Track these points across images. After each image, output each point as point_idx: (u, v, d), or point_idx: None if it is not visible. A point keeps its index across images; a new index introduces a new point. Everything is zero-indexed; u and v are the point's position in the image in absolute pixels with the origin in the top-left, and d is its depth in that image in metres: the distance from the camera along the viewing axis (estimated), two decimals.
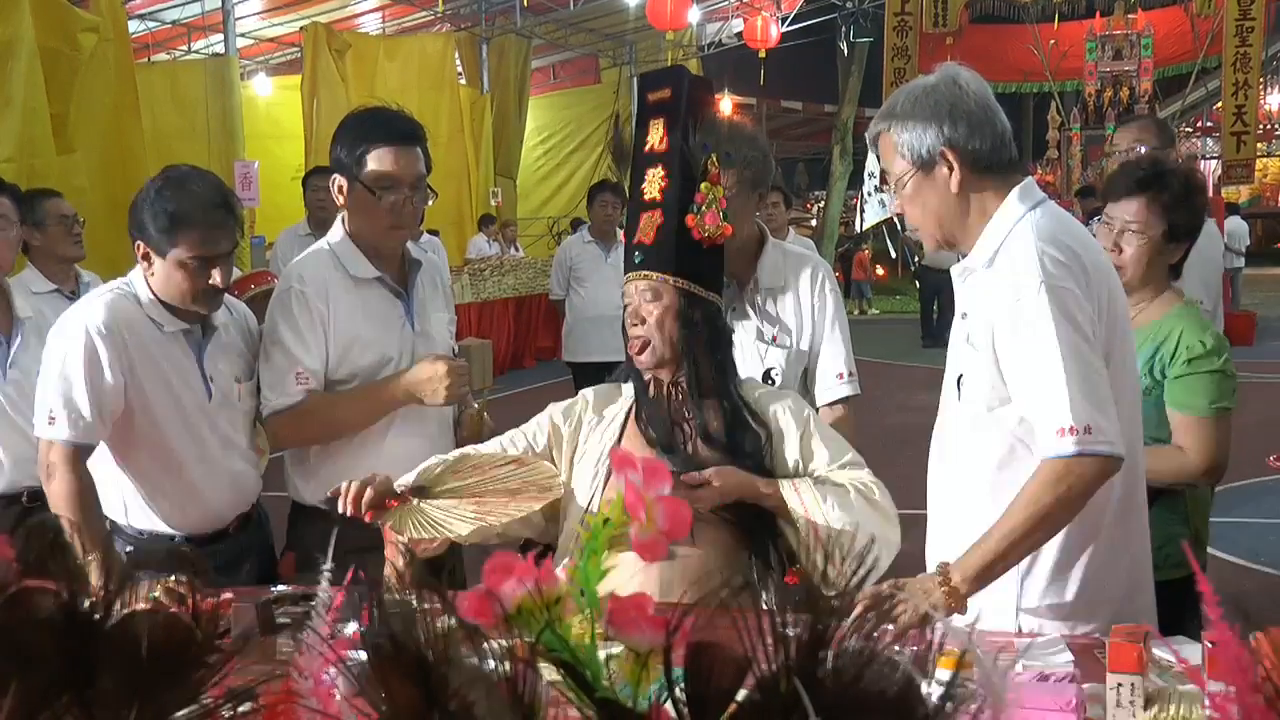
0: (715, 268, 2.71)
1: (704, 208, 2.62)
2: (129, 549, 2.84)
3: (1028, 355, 2.16)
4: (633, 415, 2.69)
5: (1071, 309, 2.14)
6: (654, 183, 2.67)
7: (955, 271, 2.38)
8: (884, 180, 2.45)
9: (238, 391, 2.97)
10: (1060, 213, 2.32)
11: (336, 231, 3.04)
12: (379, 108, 3.01)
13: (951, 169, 2.25)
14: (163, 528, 2.88)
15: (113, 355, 2.76)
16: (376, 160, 2.87)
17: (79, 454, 2.77)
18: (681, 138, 2.64)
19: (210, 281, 2.78)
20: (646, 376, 2.69)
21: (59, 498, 2.75)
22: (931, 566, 2.45)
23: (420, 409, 2.96)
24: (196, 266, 2.76)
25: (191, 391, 2.88)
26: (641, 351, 2.63)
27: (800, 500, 2.50)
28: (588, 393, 2.79)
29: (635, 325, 2.63)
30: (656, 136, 2.69)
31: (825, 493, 2.51)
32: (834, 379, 3.17)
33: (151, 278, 2.84)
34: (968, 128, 2.25)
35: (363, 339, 2.96)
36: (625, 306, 2.68)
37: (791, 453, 2.62)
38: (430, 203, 2.99)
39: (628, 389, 2.75)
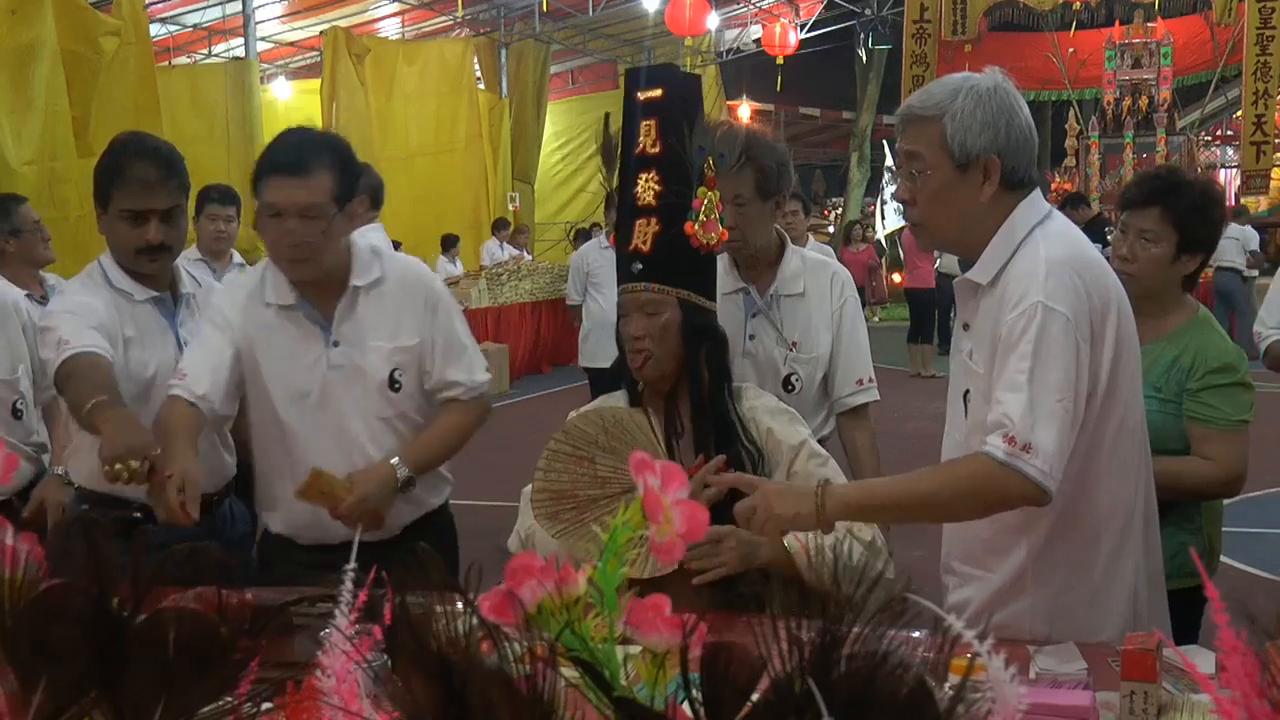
0: (712, 275, 2.67)
1: (702, 214, 2.55)
2: (84, 506, 2.91)
3: (1006, 364, 2.14)
4: None
5: (1060, 335, 2.11)
6: (648, 188, 2.58)
7: (958, 284, 2.37)
8: (894, 160, 2.40)
9: None
10: (1066, 228, 2.29)
11: None
12: (289, 132, 2.83)
13: (987, 178, 2.21)
14: (119, 494, 2.79)
15: (97, 325, 2.81)
16: (265, 188, 2.68)
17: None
18: (678, 141, 2.55)
19: (147, 237, 2.85)
20: (642, 388, 2.63)
21: (70, 379, 2.66)
22: (946, 576, 2.46)
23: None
24: (131, 220, 2.85)
25: (166, 359, 2.93)
26: (643, 365, 2.55)
27: (808, 560, 2.38)
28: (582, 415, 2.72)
29: (637, 339, 2.55)
30: (649, 139, 2.58)
31: (825, 545, 2.39)
32: (854, 385, 3.17)
33: (108, 243, 2.95)
34: (1017, 142, 2.22)
35: (265, 371, 2.79)
36: (622, 318, 2.60)
37: (777, 477, 2.55)
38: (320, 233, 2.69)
39: (616, 401, 2.70)
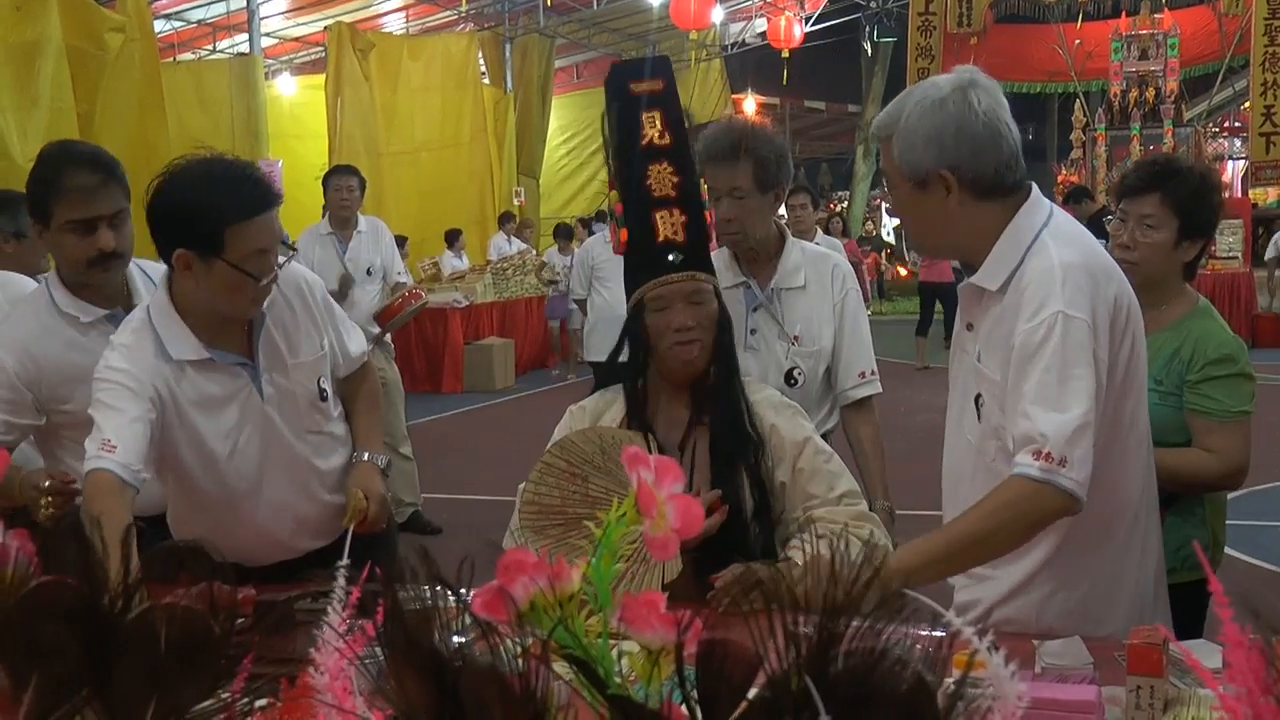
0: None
1: (708, 204, 2.59)
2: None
3: (1027, 375, 2.11)
4: (628, 420, 2.62)
5: (1085, 342, 2.08)
6: (663, 179, 2.57)
7: (963, 288, 2.35)
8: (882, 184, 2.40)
9: None
10: (1072, 227, 2.26)
11: (159, 300, 2.60)
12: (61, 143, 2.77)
13: (949, 190, 2.18)
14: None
15: (19, 371, 2.75)
16: (247, 231, 2.46)
17: None
18: (687, 131, 2.58)
19: (99, 246, 2.73)
20: (643, 385, 2.62)
21: None
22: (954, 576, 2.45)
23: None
24: (78, 231, 2.73)
25: None
26: (698, 355, 2.53)
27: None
28: (579, 408, 2.71)
29: (689, 329, 2.52)
30: (655, 130, 2.58)
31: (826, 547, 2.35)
32: (856, 378, 3.17)
33: (55, 259, 2.85)
34: (971, 152, 2.16)
35: (201, 430, 2.60)
36: (659, 310, 2.54)
37: (781, 474, 2.54)
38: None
39: (618, 394, 2.68)
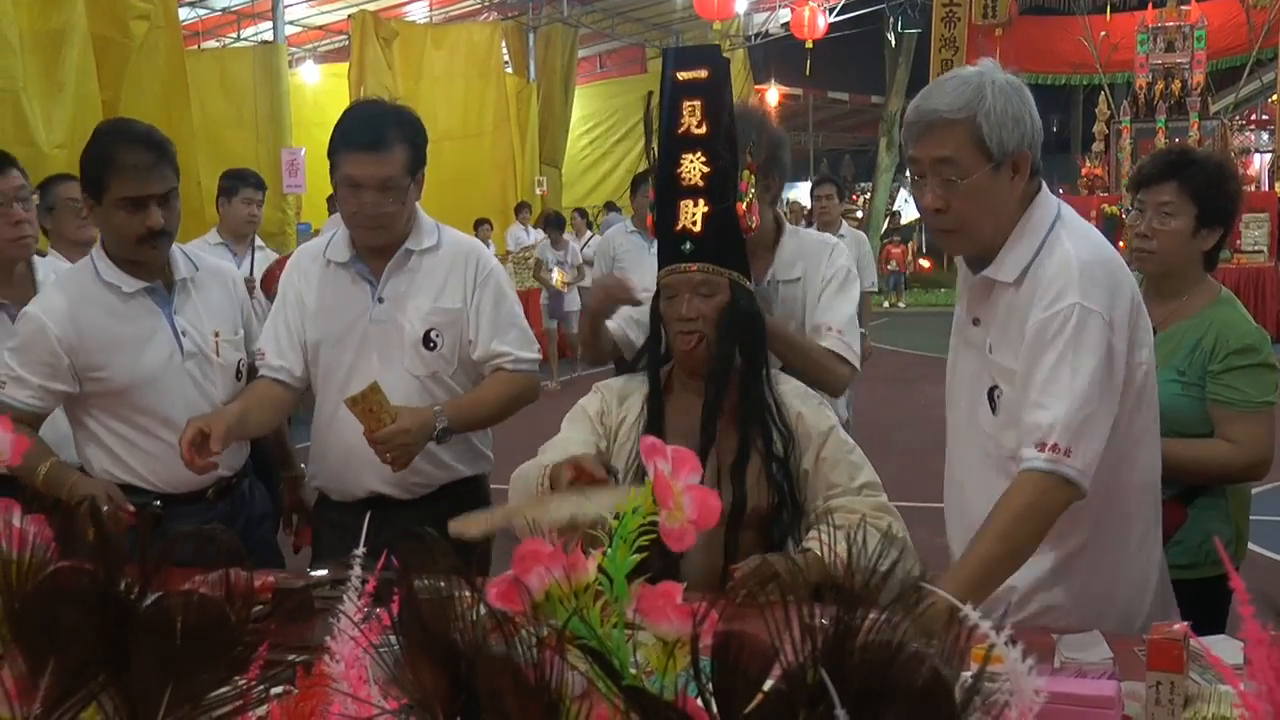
0: (747, 257, 2.66)
1: (748, 197, 2.56)
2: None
3: (1039, 365, 2.13)
4: (650, 410, 2.62)
5: (1097, 335, 2.11)
6: (693, 168, 2.56)
7: (973, 281, 2.34)
8: (911, 170, 2.33)
9: (215, 344, 2.99)
10: (1084, 225, 2.29)
11: None
12: (363, 106, 3.06)
13: (1017, 172, 2.20)
14: (136, 483, 2.91)
15: (60, 335, 2.85)
16: (343, 162, 2.86)
17: (24, 420, 2.77)
18: (729, 120, 2.55)
19: (149, 223, 2.83)
20: (668, 372, 2.62)
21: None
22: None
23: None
24: (130, 208, 2.82)
25: (160, 349, 2.92)
26: (697, 346, 2.53)
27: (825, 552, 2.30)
28: (606, 386, 2.72)
29: (691, 320, 2.53)
30: (693, 119, 2.57)
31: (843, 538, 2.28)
32: (824, 331, 2.92)
33: (102, 234, 2.95)
34: (1038, 133, 2.22)
35: (314, 322, 3.00)
36: (669, 299, 2.57)
37: (805, 463, 2.55)
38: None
39: (642, 380, 2.67)
